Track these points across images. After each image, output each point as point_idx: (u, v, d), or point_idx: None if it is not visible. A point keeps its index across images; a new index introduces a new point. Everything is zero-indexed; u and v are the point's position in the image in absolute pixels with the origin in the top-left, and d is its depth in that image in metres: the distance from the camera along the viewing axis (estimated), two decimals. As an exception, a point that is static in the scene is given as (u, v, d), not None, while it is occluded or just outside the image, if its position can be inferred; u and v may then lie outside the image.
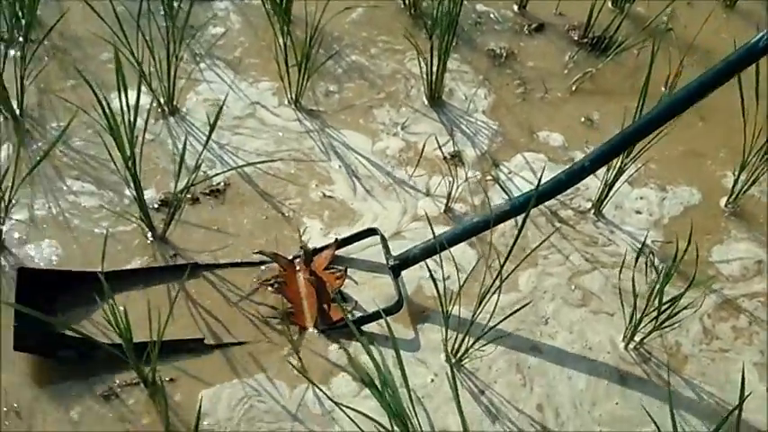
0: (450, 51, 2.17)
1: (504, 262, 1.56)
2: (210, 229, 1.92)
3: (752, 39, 1.44)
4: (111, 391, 1.61)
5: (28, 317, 1.40)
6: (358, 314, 1.79)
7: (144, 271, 1.81)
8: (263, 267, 1.85)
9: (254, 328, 1.75)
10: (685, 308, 1.70)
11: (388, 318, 1.66)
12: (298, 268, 1.86)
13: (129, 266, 1.81)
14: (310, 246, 1.88)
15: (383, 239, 1.88)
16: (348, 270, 1.85)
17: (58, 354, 1.64)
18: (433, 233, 1.72)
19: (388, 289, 1.83)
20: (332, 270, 1.85)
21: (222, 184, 2.01)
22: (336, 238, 1.89)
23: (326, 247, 1.88)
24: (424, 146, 2.12)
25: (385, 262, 1.83)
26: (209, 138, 1.84)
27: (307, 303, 1.80)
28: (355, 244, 1.92)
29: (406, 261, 1.80)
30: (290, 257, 1.87)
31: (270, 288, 1.81)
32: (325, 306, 1.79)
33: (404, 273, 1.81)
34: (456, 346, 1.69)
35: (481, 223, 1.72)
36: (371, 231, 1.91)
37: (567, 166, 1.68)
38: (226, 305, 1.78)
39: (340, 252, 1.90)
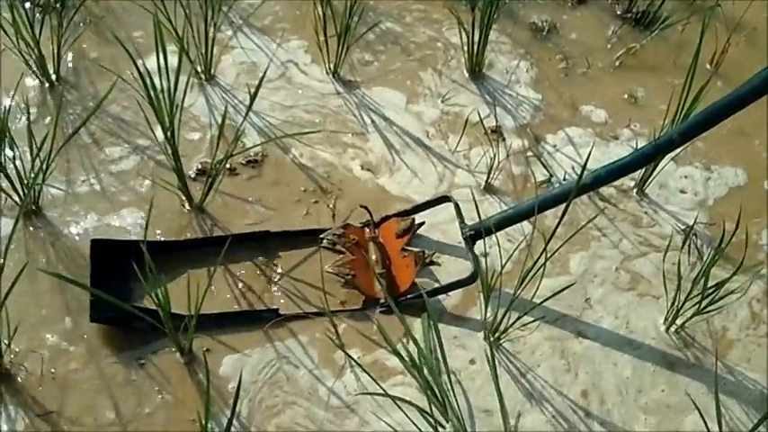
0: (492, 23, 2.12)
1: (547, 243, 1.52)
2: (248, 200, 1.89)
3: None
4: (147, 359, 1.61)
5: (102, 288, 1.40)
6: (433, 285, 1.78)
7: (187, 242, 1.79)
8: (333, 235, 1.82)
9: (303, 302, 1.74)
10: (731, 292, 1.66)
11: (461, 290, 1.66)
12: (370, 236, 1.84)
13: (167, 237, 1.79)
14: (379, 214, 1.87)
15: (457, 208, 1.83)
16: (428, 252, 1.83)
17: (133, 325, 1.61)
18: (479, 213, 1.67)
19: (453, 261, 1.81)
20: (409, 244, 1.83)
21: (260, 154, 1.98)
22: (406, 210, 1.86)
23: (395, 216, 1.86)
24: (466, 120, 2.07)
25: (459, 231, 1.79)
26: (248, 109, 1.81)
27: (396, 273, 1.78)
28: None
29: (481, 231, 1.75)
30: (361, 225, 1.86)
31: (338, 276, 1.77)
32: (396, 278, 1.77)
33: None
34: (496, 325, 1.66)
35: (561, 196, 1.65)
36: (445, 198, 1.87)
37: (622, 154, 1.63)
38: (294, 275, 1.77)
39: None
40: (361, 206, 1.85)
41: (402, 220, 1.84)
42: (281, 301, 1.73)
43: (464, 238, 1.78)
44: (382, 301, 1.74)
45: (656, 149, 1.61)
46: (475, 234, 1.77)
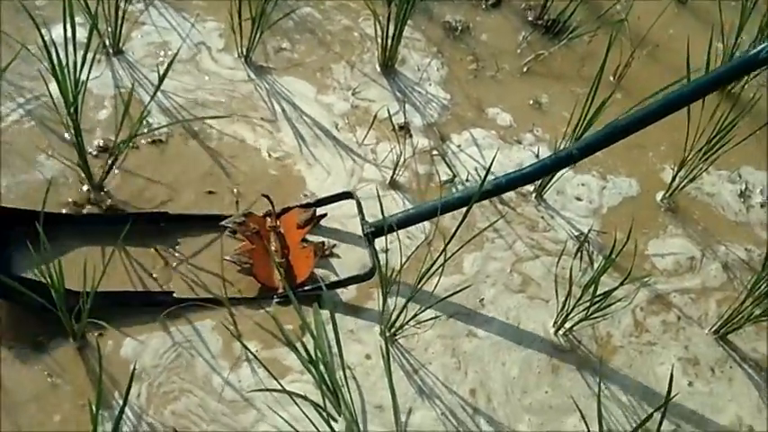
0: (407, 18, 2.14)
1: (447, 243, 1.56)
2: (150, 180, 1.86)
3: (752, 49, 1.47)
4: (40, 342, 1.57)
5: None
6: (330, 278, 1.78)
7: (82, 218, 1.75)
8: (237, 222, 1.80)
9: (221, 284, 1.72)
10: (619, 300, 1.74)
11: (359, 284, 1.69)
12: (269, 227, 1.83)
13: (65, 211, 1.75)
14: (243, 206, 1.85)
15: (358, 204, 1.84)
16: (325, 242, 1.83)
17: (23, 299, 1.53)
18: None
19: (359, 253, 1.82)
20: (307, 233, 1.82)
21: (165, 134, 1.94)
22: (315, 201, 1.86)
23: (304, 208, 1.85)
24: (375, 115, 2.09)
25: (359, 227, 1.81)
26: (156, 89, 1.77)
27: (295, 264, 1.78)
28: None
29: (382, 229, 1.77)
30: (261, 215, 1.84)
31: (236, 264, 1.76)
32: (296, 269, 1.76)
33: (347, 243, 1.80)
34: (392, 321, 1.69)
35: (463, 199, 1.70)
36: (347, 195, 1.88)
37: (553, 152, 1.68)
38: (194, 259, 1.75)
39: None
40: (263, 195, 1.84)
41: (304, 212, 1.84)
42: (178, 286, 1.71)
43: (364, 235, 1.80)
44: (280, 291, 1.74)
45: (555, 162, 1.68)
46: (375, 231, 1.79)
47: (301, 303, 1.66)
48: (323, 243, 1.83)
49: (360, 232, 1.82)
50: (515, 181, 1.70)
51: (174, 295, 1.67)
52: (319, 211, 1.86)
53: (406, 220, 1.76)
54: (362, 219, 1.82)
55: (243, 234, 1.78)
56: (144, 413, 1.53)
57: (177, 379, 1.58)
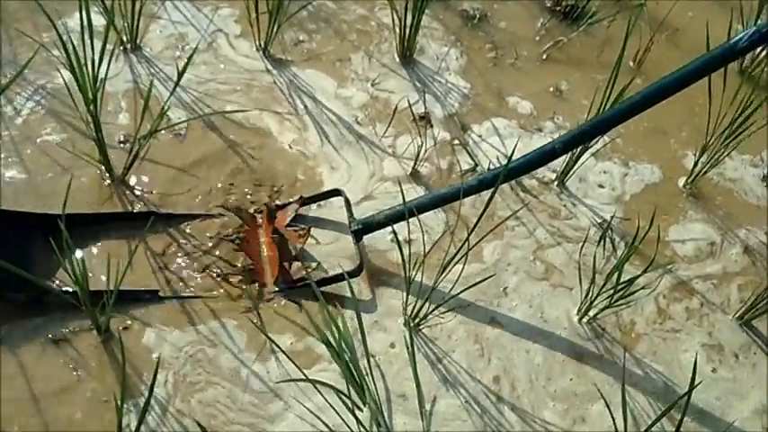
0: (424, 8, 2.13)
1: (470, 233, 1.56)
2: (171, 175, 1.87)
3: (732, 38, 1.46)
4: (62, 336, 1.58)
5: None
6: (320, 275, 1.78)
7: (102, 216, 1.76)
8: (224, 219, 1.81)
9: (212, 282, 1.72)
10: (642, 288, 1.73)
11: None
12: (260, 224, 1.83)
13: (85, 210, 1.75)
14: (274, 202, 1.85)
15: (347, 202, 1.85)
16: (312, 229, 1.83)
17: (8, 296, 1.59)
18: (404, 198, 1.69)
19: (351, 249, 1.81)
20: (294, 228, 1.83)
21: (184, 128, 1.95)
22: (301, 196, 1.86)
23: (290, 203, 1.85)
24: (396, 106, 2.08)
25: (348, 225, 1.81)
26: (176, 85, 1.78)
27: (268, 260, 1.78)
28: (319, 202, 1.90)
29: (370, 226, 1.79)
30: (252, 212, 1.84)
31: (231, 243, 1.78)
32: (287, 264, 1.77)
33: (373, 234, 1.80)
34: (416, 311, 1.69)
35: (449, 195, 1.73)
36: (336, 192, 1.89)
37: (538, 146, 1.69)
38: (184, 257, 1.75)
39: (303, 211, 1.88)
40: (265, 204, 1.85)
41: (289, 206, 1.85)
42: (171, 280, 1.72)
43: (351, 232, 1.80)
44: (270, 288, 1.75)
45: (540, 156, 1.69)
46: (362, 228, 1.79)
47: (300, 296, 1.71)
48: (279, 236, 1.82)
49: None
50: (481, 184, 1.70)
51: (160, 293, 1.69)
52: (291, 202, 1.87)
53: (391, 218, 1.77)
54: (350, 216, 1.83)
55: (231, 241, 1.79)
56: (170, 404, 1.54)
57: (203, 371, 1.59)
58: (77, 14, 1.99)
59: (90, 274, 1.50)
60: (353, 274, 1.74)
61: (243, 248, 1.77)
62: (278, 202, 1.86)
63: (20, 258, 1.62)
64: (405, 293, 1.70)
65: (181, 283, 1.71)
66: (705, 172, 2.11)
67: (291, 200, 1.86)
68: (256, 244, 1.80)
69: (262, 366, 1.62)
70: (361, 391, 1.52)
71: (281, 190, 1.90)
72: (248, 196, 1.87)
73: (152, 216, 1.71)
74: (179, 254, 1.75)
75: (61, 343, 1.57)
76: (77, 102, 1.74)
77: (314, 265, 1.80)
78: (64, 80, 1.75)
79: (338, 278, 1.73)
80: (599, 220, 2.01)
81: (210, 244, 1.77)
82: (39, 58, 1.95)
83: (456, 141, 2.09)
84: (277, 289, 1.74)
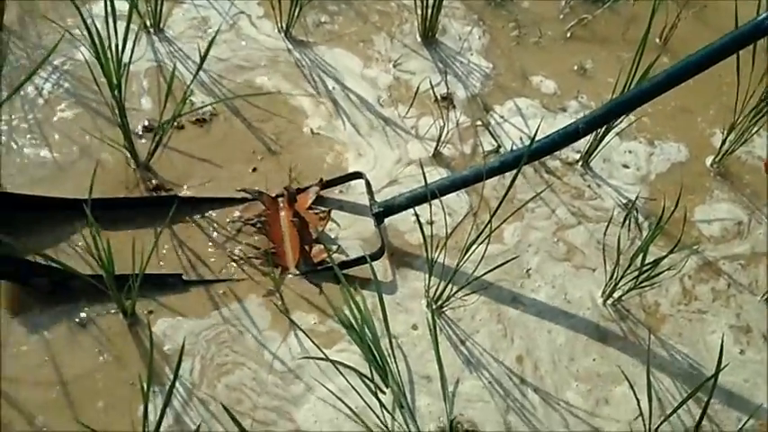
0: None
1: (492, 216, 1.55)
2: (195, 159, 1.88)
3: (759, 16, 1.43)
4: (88, 320, 1.60)
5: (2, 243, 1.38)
6: (341, 258, 1.78)
7: (125, 201, 1.78)
8: (245, 204, 1.82)
9: (235, 265, 1.73)
10: (668, 269, 1.71)
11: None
12: (281, 207, 1.83)
13: (110, 195, 1.77)
14: (295, 185, 1.86)
15: (368, 185, 1.85)
16: (332, 212, 1.83)
17: (31, 282, 1.61)
18: (425, 180, 1.68)
19: (372, 232, 1.82)
20: (316, 211, 1.83)
21: (209, 113, 1.96)
22: (321, 179, 1.86)
23: (310, 186, 1.86)
24: (417, 88, 2.07)
25: (369, 207, 1.81)
26: (198, 69, 1.78)
27: (289, 244, 1.78)
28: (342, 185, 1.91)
29: (391, 208, 1.78)
30: (274, 195, 1.84)
31: (252, 227, 1.79)
32: (308, 247, 1.78)
33: (394, 216, 1.80)
34: (438, 293, 1.70)
35: (471, 176, 1.72)
36: (357, 175, 1.89)
37: (562, 126, 1.67)
38: (207, 241, 1.76)
39: (326, 194, 1.88)
40: (285, 187, 1.84)
41: (310, 189, 1.85)
42: (195, 264, 1.73)
43: (373, 215, 1.80)
44: (291, 269, 1.76)
45: (563, 137, 1.67)
46: (384, 211, 1.79)
47: (321, 279, 1.72)
48: (297, 220, 1.81)
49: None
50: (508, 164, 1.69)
51: (183, 277, 1.70)
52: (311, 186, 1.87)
53: (413, 200, 1.77)
54: (371, 199, 1.83)
55: (255, 225, 1.80)
56: (196, 388, 1.56)
57: (230, 350, 1.61)
58: (102, 1, 2.00)
59: (116, 259, 1.51)
60: (375, 256, 1.74)
61: (264, 232, 1.78)
62: (299, 186, 1.86)
63: (40, 243, 1.65)
64: (427, 275, 1.70)
65: (204, 267, 1.72)
66: (733, 150, 2.08)
67: (312, 183, 1.86)
68: (278, 227, 1.80)
69: (285, 348, 1.63)
70: (383, 373, 1.53)
71: (305, 174, 1.90)
72: (271, 180, 1.87)
73: (176, 200, 1.73)
74: (202, 238, 1.76)
75: (88, 326, 1.60)
76: (102, 87, 1.75)
77: (335, 248, 1.80)
78: (88, 65, 1.76)
79: (360, 261, 1.73)
80: (624, 201, 1.99)
81: (233, 228, 1.78)
82: (63, 44, 1.96)
83: (479, 122, 2.08)
84: (299, 272, 1.75)
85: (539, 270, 1.84)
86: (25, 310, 1.59)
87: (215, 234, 1.77)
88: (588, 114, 1.66)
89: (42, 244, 1.66)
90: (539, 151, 1.68)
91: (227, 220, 1.80)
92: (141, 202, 1.78)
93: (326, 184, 1.87)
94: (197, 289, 1.68)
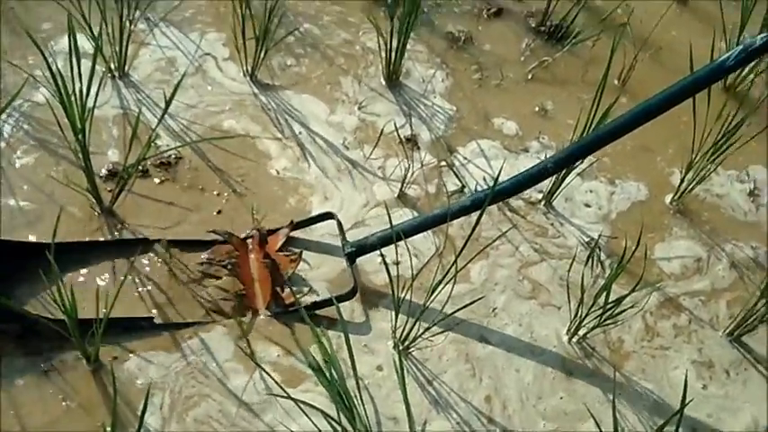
0: (410, 32, 2.15)
1: (458, 256, 1.56)
2: (160, 203, 1.87)
3: (719, 57, 1.48)
4: (52, 367, 1.58)
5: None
6: (312, 298, 1.78)
7: (92, 244, 1.76)
8: (214, 246, 1.81)
9: (204, 308, 1.72)
10: (630, 307, 1.74)
11: (341, 304, 1.66)
12: (251, 248, 1.83)
13: (73, 239, 1.76)
14: (264, 226, 1.86)
15: (339, 225, 1.86)
16: (303, 253, 1.83)
17: (3, 327, 1.59)
18: (390, 221, 1.70)
19: (342, 272, 1.82)
20: (286, 252, 1.83)
21: (173, 156, 1.96)
22: (292, 221, 1.86)
23: (281, 228, 1.86)
24: (382, 130, 2.10)
25: (341, 247, 1.82)
26: (164, 113, 1.78)
27: (259, 285, 1.78)
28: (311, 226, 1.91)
29: (363, 248, 1.80)
30: (243, 237, 1.84)
31: (222, 269, 1.78)
32: (278, 289, 1.77)
33: (362, 257, 1.81)
34: (405, 333, 1.70)
35: (439, 216, 1.73)
36: (328, 215, 1.89)
37: (526, 167, 1.69)
38: (175, 284, 1.75)
39: (295, 234, 1.88)
40: (257, 229, 1.85)
41: (280, 230, 1.85)
42: (163, 306, 1.72)
43: (345, 255, 1.81)
44: (262, 311, 1.75)
45: (526, 178, 1.69)
46: (356, 251, 1.80)
47: (292, 320, 1.72)
48: (271, 261, 1.81)
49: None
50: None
51: (155, 320, 1.69)
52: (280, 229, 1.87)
53: (384, 240, 1.78)
54: (343, 239, 1.84)
55: (222, 266, 1.79)
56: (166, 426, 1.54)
57: (195, 381, 1.60)
58: (65, 39, 2.00)
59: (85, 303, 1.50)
60: (348, 296, 1.74)
61: (234, 273, 1.78)
62: (269, 228, 1.87)
63: (9, 288, 1.64)
64: (393, 315, 1.71)
65: (173, 309, 1.71)
66: (692, 189, 2.13)
67: (282, 225, 1.86)
68: (247, 269, 1.80)
69: (254, 386, 1.62)
70: (350, 414, 1.52)
71: (270, 216, 1.90)
72: (236, 222, 1.88)
73: (141, 243, 1.72)
74: (169, 281, 1.75)
75: (51, 374, 1.57)
76: (65, 130, 1.75)
77: (305, 289, 1.80)
78: (51, 108, 1.75)
79: (330, 302, 1.73)
80: (586, 240, 2.02)
81: (201, 270, 1.77)
82: (30, 89, 1.97)
83: (443, 163, 2.11)
84: (270, 313, 1.74)
85: (505, 308, 1.85)
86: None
87: (183, 276, 1.76)
88: (555, 154, 1.69)
89: (16, 289, 1.65)
90: (506, 191, 1.70)
91: (197, 262, 1.79)
92: (109, 245, 1.77)
93: (297, 225, 1.88)
94: (162, 333, 1.67)
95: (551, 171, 1.68)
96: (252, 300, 1.76)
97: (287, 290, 1.77)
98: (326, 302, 1.74)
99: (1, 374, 1.54)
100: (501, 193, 1.70)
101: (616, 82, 2.41)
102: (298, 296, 1.76)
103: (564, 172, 1.98)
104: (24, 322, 1.57)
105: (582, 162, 1.95)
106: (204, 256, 1.80)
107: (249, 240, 1.84)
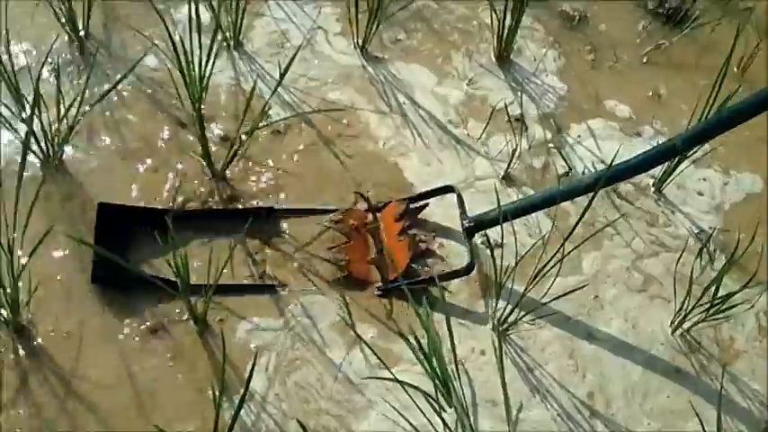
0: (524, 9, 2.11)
1: (566, 239, 1.54)
2: (270, 170, 1.90)
3: None
4: (162, 326, 1.63)
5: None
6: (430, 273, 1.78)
7: (217, 212, 1.81)
8: (342, 210, 1.83)
9: (315, 278, 1.75)
10: (740, 303, 1.68)
11: (457, 279, 1.66)
12: (369, 221, 1.84)
13: (187, 204, 1.80)
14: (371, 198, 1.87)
15: (459, 198, 1.84)
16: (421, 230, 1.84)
17: (132, 288, 1.65)
18: (498, 202, 1.67)
19: (456, 248, 1.82)
20: (415, 232, 1.84)
21: (283, 125, 1.98)
22: (410, 197, 1.86)
23: (405, 200, 1.85)
24: (493, 110, 2.07)
25: (459, 222, 1.80)
26: (278, 84, 1.80)
27: (395, 256, 1.78)
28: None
29: (482, 223, 1.76)
30: (365, 208, 1.86)
31: (343, 236, 1.80)
32: (392, 262, 1.78)
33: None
34: (505, 316, 1.68)
35: (555, 196, 1.67)
36: (448, 189, 1.87)
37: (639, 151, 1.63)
38: (287, 252, 1.78)
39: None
40: (356, 192, 1.86)
41: (400, 205, 1.84)
42: (290, 276, 1.75)
43: (464, 230, 1.79)
44: (378, 285, 1.76)
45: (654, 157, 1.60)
46: (474, 226, 1.78)
47: (402, 296, 1.70)
48: (415, 236, 1.82)
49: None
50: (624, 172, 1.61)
51: (278, 289, 1.72)
52: (420, 203, 1.87)
53: (505, 215, 1.71)
54: (462, 213, 1.81)
55: (341, 231, 1.80)
56: (270, 389, 1.58)
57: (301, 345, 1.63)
58: (185, 9, 2.04)
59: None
60: (464, 272, 1.72)
61: (347, 248, 1.78)
62: (412, 205, 1.87)
63: (125, 251, 1.70)
64: (494, 298, 1.70)
65: (288, 276, 1.75)
66: (811, 183, 2.04)
67: (403, 198, 1.86)
68: (363, 241, 1.81)
69: (350, 363, 1.64)
70: (447, 392, 1.52)
71: (374, 189, 1.91)
72: (344, 194, 1.89)
73: (259, 211, 1.77)
74: (281, 249, 1.78)
75: (160, 332, 1.63)
76: (183, 99, 1.79)
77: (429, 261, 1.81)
78: (171, 77, 1.79)
79: (450, 276, 1.73)
80: (696, 230, 1.95)
81: (314, 238, 1.80)
82: (151, 55, 2.02)
83: (551, 144, 2.07)
84: (380, 291, 1.75)
85: (613, 302, 1.81)
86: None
87: (297, 244, 1.79)
88: (684, 132, 1.57)
89: (133, 252, 1.71)
90: (631, 168, 1.59)
91: (313, 230, 1.81)
92: (233, 214, 1.81)
93: (417, 199, 1.87)
94: (268, 298, 1.70)
95: (680, 150, 1.58)
96: (365, 272, 1.77)
97: (413, 264, 1.77)
98: (443, 277, 1.73)
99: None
100: (631, 168, 1.59)
101: (735, 69, 2.31)
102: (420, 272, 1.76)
103: (676, 159, 1.91)
104: (139, 282, 1.63)
105: (696, 150, 1.89)
106: (327, 220, 1.82)
107: (369, 213, 1.85)
